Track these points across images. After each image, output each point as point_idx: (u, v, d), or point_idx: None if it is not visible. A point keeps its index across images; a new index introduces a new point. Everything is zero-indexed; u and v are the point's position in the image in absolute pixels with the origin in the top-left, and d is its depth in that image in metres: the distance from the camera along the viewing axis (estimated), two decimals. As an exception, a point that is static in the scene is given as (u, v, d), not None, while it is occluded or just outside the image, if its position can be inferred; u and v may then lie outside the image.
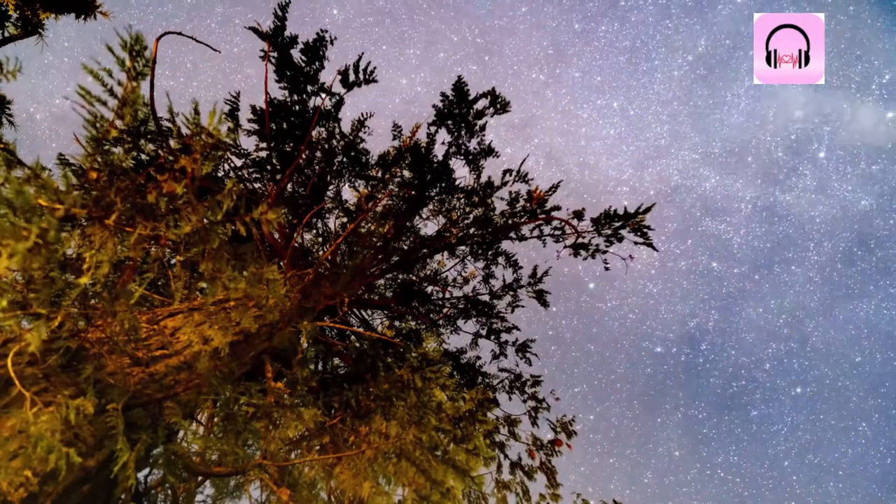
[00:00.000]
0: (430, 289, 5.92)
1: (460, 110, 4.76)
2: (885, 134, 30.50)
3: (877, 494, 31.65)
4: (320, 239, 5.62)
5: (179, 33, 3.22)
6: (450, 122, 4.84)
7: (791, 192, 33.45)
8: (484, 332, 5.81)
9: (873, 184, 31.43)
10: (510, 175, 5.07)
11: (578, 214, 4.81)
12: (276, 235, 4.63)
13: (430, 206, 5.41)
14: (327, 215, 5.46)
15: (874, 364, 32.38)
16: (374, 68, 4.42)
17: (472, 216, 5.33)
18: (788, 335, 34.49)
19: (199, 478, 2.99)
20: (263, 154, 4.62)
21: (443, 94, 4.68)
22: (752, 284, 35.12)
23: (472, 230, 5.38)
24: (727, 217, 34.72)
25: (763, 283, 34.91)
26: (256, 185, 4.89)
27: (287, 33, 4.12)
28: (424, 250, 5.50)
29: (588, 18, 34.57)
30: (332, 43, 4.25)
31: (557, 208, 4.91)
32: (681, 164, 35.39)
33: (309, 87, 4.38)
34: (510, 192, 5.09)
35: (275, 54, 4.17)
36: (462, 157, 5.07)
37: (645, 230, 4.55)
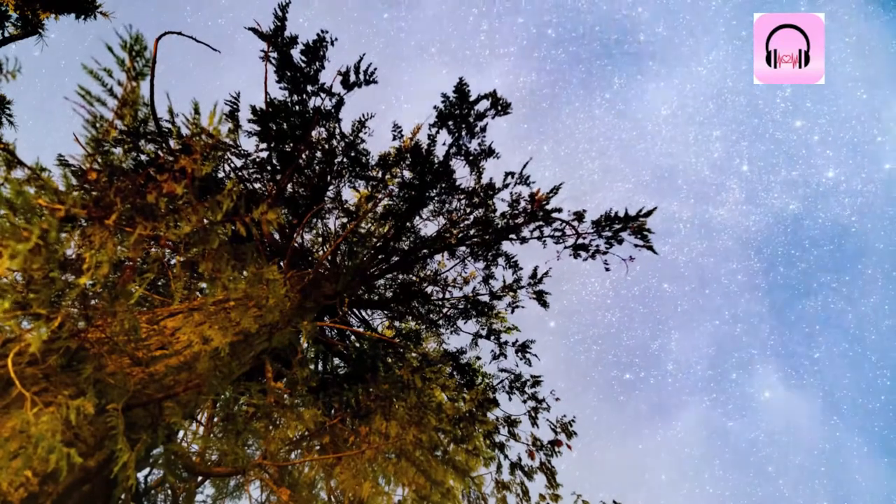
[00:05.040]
0: (430, 289, 5.92)
1: (461, 111, 4.76)
2: (798, 141, 32.69)
3: (861, 484, 31.87)
4: (320, 239, 5.62)
5: (179, 33, 3.22)
6: (451, 122, 4.83)
7: (724, 207, 35.17)
8: (484, 333, 5.80)
9: (797, 188, 33.36)
10: (511, 177, 5.07)
11: (579, 216, 4.81)
12: (276, 235, 4.63)
13: (431, 207, 5.41)
14: (327, 215, 5.46)
15: (832, 357, 33.30)
16: (375, 69, 4.42)
17: (472, 217, 5.33)
18: (748, 342, 35.45)
19: (199, 478, 2.99)
20: (263, 154, 4.62)
21: (444, 95, 4.68)
22: (705, 299, 36.47)
23: (472, 231, 5.38)
24: (669, 238, 36.12)
25: (714, 296, 36.24)
26: (256, 186, 4.89)
27: (287, 33, 4.12)
28: (424, 251, 5.50)
29: (506, 73, 36.75)
30: (332, 44, 4.25)
31: (559, 210, 4.91)
32: (616, 196, 37.22)
33: (309, 88, 4.38)
34: (511, 194, 5.09)
35: (275, 54, 4.17)
36: (463, 158, 5.07)
37: (646, 233, 4.55)
